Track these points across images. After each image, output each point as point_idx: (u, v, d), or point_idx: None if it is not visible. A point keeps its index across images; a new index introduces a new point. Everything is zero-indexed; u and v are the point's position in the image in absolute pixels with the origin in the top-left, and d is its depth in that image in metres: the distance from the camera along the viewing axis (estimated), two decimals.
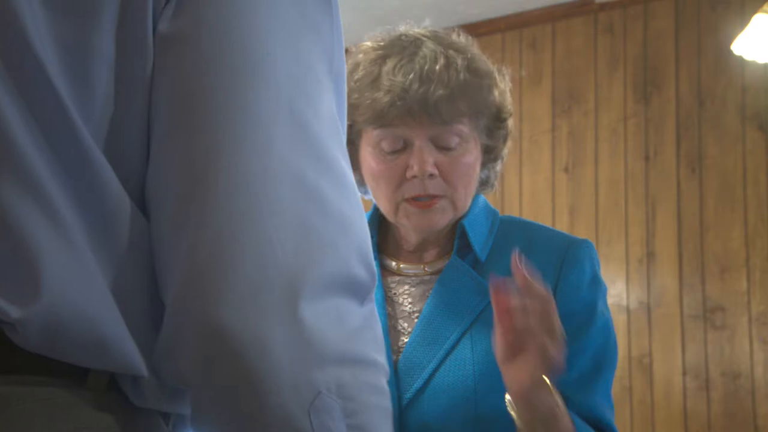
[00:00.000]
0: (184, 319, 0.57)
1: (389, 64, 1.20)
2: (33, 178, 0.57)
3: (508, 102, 1.29)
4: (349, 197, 0.62)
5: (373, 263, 0.63)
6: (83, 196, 0.59)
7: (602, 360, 1.22)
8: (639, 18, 3.66)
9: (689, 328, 3.39)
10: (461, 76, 1.20)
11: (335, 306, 0.59)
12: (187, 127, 0.59)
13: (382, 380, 0.61)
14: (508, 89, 1.29)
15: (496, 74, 1.27)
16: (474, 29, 3.82)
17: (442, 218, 1.22)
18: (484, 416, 1.15)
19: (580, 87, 3.74)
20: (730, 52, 2.88)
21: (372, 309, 0.62)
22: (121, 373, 0.61)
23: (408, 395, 1.18)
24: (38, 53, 0.58)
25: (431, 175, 1.20)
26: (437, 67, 1.19)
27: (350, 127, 1.25)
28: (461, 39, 1.26)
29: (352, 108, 1.22)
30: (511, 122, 1.30)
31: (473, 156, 1.23)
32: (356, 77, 1.22)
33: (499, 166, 1.32)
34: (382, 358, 0.61)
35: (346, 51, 1.29)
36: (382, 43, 1.24)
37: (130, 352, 0.59)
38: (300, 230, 0.58)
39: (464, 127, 1.21)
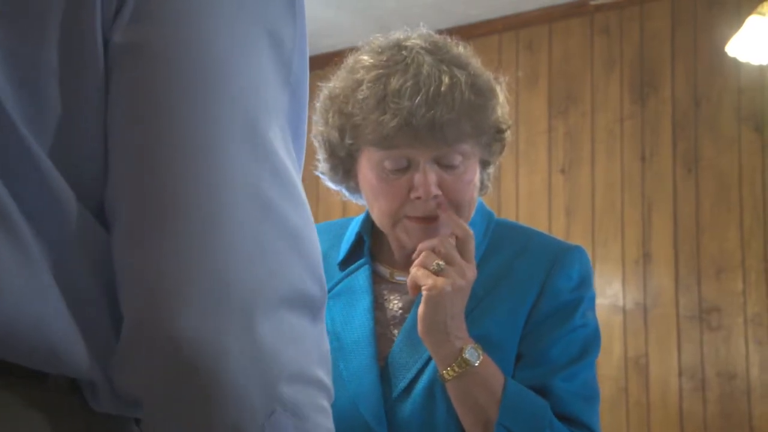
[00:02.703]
0: (141, 332, 0.57)
1: (393, 84, 1.18)
2: None
3: (507, 112, 1.29)
4: (301, 212, 0.62)
5: (324, 279, 0.62)
6: (36, 206, 0.59)
7: (575, 356, 1.22)
8: (635, 19, 3.66)
9: (685, 329, 3.39)
10: (466, 96, 1.18)
11: (290, 323, 0.58)
12: (143, 139, 0.59)
13: (327, 403, 0.61)
14: (504, 95, 1.29)
15: (497, 88, 1.26)
16: (471, 30, 3.83)
17: (446, 232, 1.21)
18: None
19: (576, 88, 3.75)
20: (726, 53, 2.89)
21: (323, 329, 0.62)
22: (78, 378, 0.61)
23: (394, 395, 1.19)
24: None
25: (435, 196, 1.20)
26: (443, 89, 1.17)
27: (351, 144, 1.24)
28: (461, 50, 1.25)
29: (356, 128, 1.21)
30: (508, 132, 1.30)
31: (475, 172, 1.24)
32: (360, 97, 1.20)
33: (491, 169, 1.32)
34: (329, 380, 0.61)
35: (344, 53, 1.30)
36: (383, 59, 1.21)
37: (82, 359, 0.59)
38: (255, 245, 0.58)
39: (467, 146, 1.21)
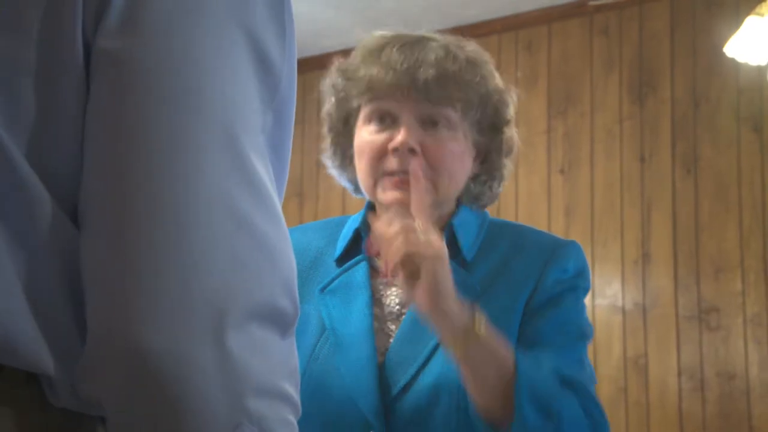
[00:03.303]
0: (106, 341, 0.57)
1: (392, 45, 1.23)
2: None
3: (509, 110, 1.29)
4: (276, 226, 0.61)
5: (297, 295, 0.62)
6: (8, 205, 0.59)
7: (574, 331, 1.23)
8: (634, 19, 3.67)
9: (684, 329, 3.40)
10: (456, 65, 1.22)
11: (259, 337, 0.58)
12: (117, 146, 0.59)
13: (294, 418, 0.61)
14: (511, 102, 1.30)
15: (496, 75, 1.28)
16: (470, 31, 3.83)
17: (417, 198, 1.20)
18: (467, 411, 1.16)
19: (575, 88, 3.75)
20: (725, 53, 2.89)
21: (292, 342, 0.62)
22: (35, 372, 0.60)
23: (394, 392, 1.19)
24: None
25: (412, 151, 1.21)
26: (434, 55, 1.22)
27: (347, 106, 1.28)
28: (475, 47, 1.29)
29: (351, 83, 1.26)
30: (510, 134, 1.31)
31: (460, 146, 1.24)
32: (358, 54, 1.26)
33: (495, 188, 1.32)
34: (296, 395, 0.61)
35: (344, 53, 1.31)
36: (390, 33, 1.26)
37: (40, 354, 0.59)
38: (228, 258, 0.58)
39: (453, 114, 1.23)
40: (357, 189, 1.33)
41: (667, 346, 3.41)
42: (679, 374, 3.37)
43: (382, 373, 1.20)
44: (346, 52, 1.31)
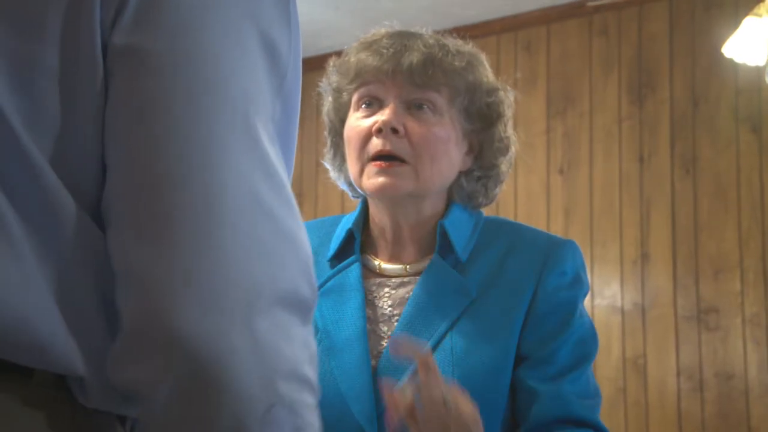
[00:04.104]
0: (144, 330, 0.58)
1: (385, 36, 1.25)
2: None
3: (502, 106, 1.29)
4: (294, 215, 0.63)
5: (315, 281, 0.64)
6: (28, 204, 0.60)
7: (580, 357, 1.23)
8: (633, 20, 3.67)
9: (683, 330, 3.40)
10: (442, 52, 1.23)
11: (284, 322, 0.60)
12: (143, 142, 0.60)
13: (315, 402, 0.63)
14: (506, 100, 1.29)
15: (490, 73, 1.29)
16: (469, 31, 3.81)
17: (402, 184, 1.21)
18: None
19: (574, 89, 3.75)
20: (724, 54, 2.90)
21: (311, 329, 0.64)
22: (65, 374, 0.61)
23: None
24: None
25: (395, 132, 1.20)
26: (423, 42, 1.23)
27: (341, 101, 1.28)
28: (470, 47, 1.29)
29: (342, 73, 1.27)
30: (504, 132, 1.30)
31: (446, 131, 1.23)
32: (353, 47, 1.27)
33: (491, 188, 1.30)
34: (316, 380, 0.63)
35: (341, 53, 1.32)
36: (388, 30, 1.28)
37: (70, 355, 0.60)
38: (254, 246, 0.60)
39: (439, 99, 1.23)
40: (354, 189, 1.33)
41: (666, 347, 3.42)
42: (678, 374, 3.37)
43: (376, 378, 1.18)
44: (341, 54, 1.31)
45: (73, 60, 0.61)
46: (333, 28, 3.89)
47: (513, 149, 1.32)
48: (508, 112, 1.31)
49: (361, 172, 1.23)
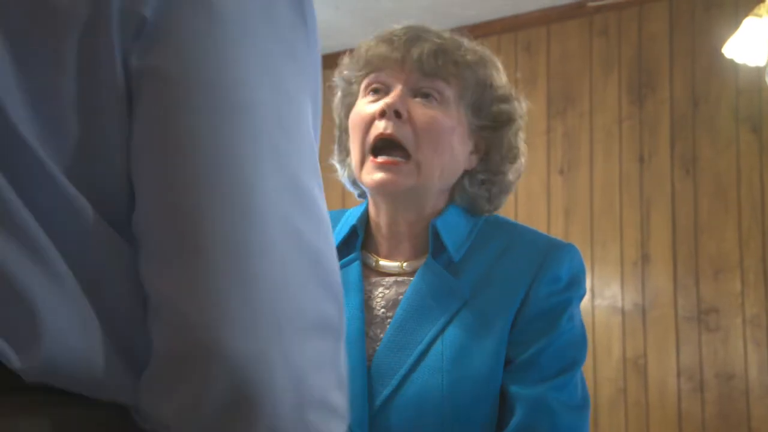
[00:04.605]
0: (180, 355, 0.58)
1: (400, 28, 1.25)
2: (22, 228, 0.58)
3: (514, 112, 1.27)
4: (323, 232, 0.63)
5: (343, 303, 0.64)
6: (69, 240, 0.60)
7: (566, 362, 1.18)
8: (633, 20, 3.67)
9: (684, 330, 3.40)
10: (454, 45, 1.23)
11: (314, 348, 0.60)
12: (173, 167, 0.59)
13: (343, 429, 0.63)
14: (518, 106, 1.29)
15: (505, 77, 1.28)
16: (469, 31, 3.81)
17: (403, 180, 1.19)
18: (452, 424, 1.13)
19: (575, 89, 3.75)
20: (724, 54, 2.90)
21: (342, 349, 0.64)
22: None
23: (378, 402, 1.15)
24: (2, 102, 0.58)
25: (399, 116, 1.19)
26: (436, 35, 1.23)
27: (350, 90, 1.28)
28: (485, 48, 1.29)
29: (353, 62, 1.26)
30: (514, 138, 1.28)
31: (451, 122, 1.21)
32: (370, 39, 1.26)
33: (496, 194, 1.27)
34: (345, 405, 0.63)
35: (343, 54, 1.31)
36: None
37: (125, 387, 0.60)
38: (285, 272, 0.60)
39: (447, 90, 1.21)
40: (358, 187, 1.31)
41: (666, 347, 3.42)
42: (679, 375, 3.37)
43: (369, 382, 1.17)
44: (345, 53, 1.31)
45: (92, 85, 0.60)
46: (333, 28, 3.89)
47: (522, 161, 1.30)
48: (520, 121, 1.29)
49: (362, 164, 1.21)
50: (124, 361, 0.61)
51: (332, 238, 0.65)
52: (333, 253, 0.64)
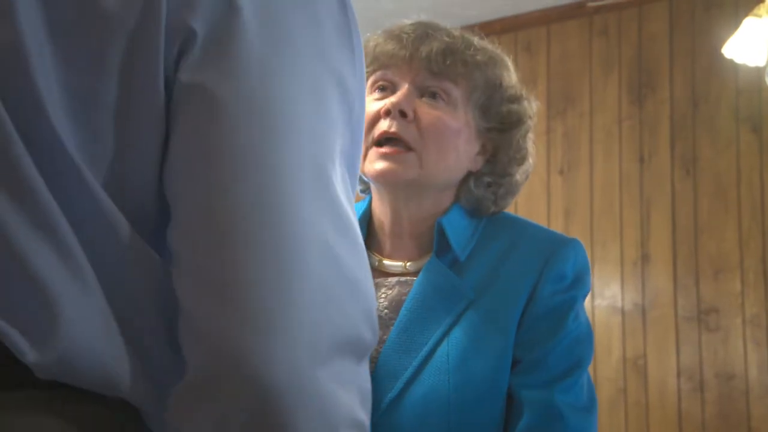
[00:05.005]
0: (213, 372, 0.58)
1: (411, 25, 1.23)
2: (49, 225, 0.58)
3: (524, 113, 1.26)
4: (359, 257, 0.64)
5: (377, 325, 0.65)
6: (94, 240, 0.60)
7: (573, 362, 1.17)
8: (633, 20, 3.67)
9: (683, 330, 3.40)
10: (464, 44, 1.21)
11: (343, 368, 0.61)
12: (210, 182, 0.59)
13: None
14: (529, 109, 1.27)
15: (515, 77, 1.27)
16: (469, 32, 3.82)
17: (405, 171, 1.17)
18: (458, 426, 1.12)
19: (574, 89, 3.75)
20: (724, 54, 2.90)
21: (367, 368, 0.65)
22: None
23: (383, 405, 1.14)
24: (43, 101, 0.58)
25: (404, 116, 1.17)
26: (446, 33, 1.21)
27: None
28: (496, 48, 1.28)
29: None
30: (523, 141, 1.26)
31: (457, 123, 1.20)
32: (378, 34, 1.25)
33: (502, 196, 1.26)
34: (368, 422, 0.63)
35: None
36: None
37: (138, 388, 0.61)
38: (321, 295, 0.60)
39: (455, 90, 1.20)
40: (361, 182, 1.30)
41: (666, 347, 3.42)
42: (679, 375, 3.37)
43: (372, 385, 1.15)
44: None
45: (132, 96, 0.60)
46: None
47: (531, 162, 1.28)
48: (529, 122, 1.27)
49: (365, 156, 1.20)
50: (140, 366, 0.61)
51: (366, 261, 0.65)
52: (369, 279, 0.64)
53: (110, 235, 0.60)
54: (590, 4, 3.71)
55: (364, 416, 0.62)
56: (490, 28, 3.89)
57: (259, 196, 0.59)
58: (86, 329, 0.58)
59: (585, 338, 1.19)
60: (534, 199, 3.73)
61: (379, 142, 1.19)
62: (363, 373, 0.63)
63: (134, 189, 0.62)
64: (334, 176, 0.63)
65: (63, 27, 0.59)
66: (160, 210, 0.62)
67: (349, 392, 0.61)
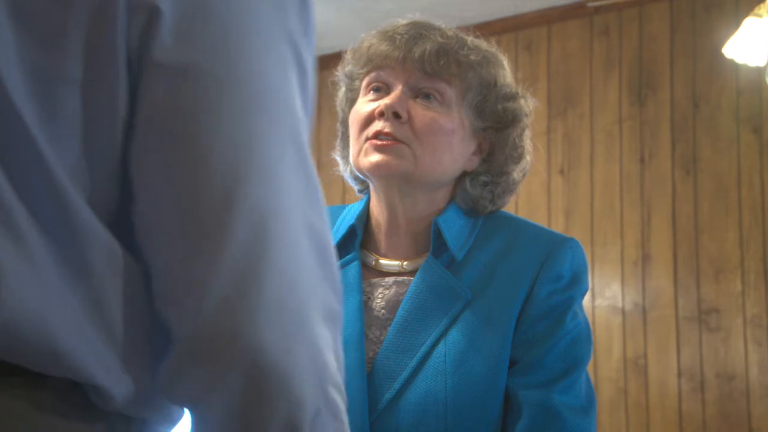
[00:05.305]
0: (208, 337, 0.60)
1: (404, 24, 1.23)
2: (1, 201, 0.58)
3: (520, 111, 1.25)
4: (327, 224, 0.67)
5: (341, 290, 0.68)
6: (46, 216, 0.59)
7: (571, 362, 1.16)
8: (634, 21, 3.67)
9: (684, 330, 3.40)
10: (458, 44, 1.20)
11: (326, 333, 0.64)
12: (192, 159, 0.60)
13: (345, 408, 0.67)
14: (525, 106, 1.27)
15: (510, 75, 1.26)
16: (469, 32, 3.82)
17: (399, 163, 1.17)
18: (456, 427, 1.11)
19: (575, 89, 3.75)
20: (724, 55, 2.90)
21: (341, 339, 0.68)
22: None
23: (380, 406, 1.14)
24: (3, 77, 0.58)
25: (398, 117, 1.17)
26: (440, 33, 1.21)
27: (353, 86, 1.27)
28: (491, 46, 1.27)
29: (356, 58, 1.25)
30: (519, 139, 1.26)
31: (452, 124, 1.19)
32: (372, 33, 1.25)
33: (499, 195, 1.25)
34: (343, 386, 0.67)
35: (341, 54, 1.31)
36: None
37: (89, 364, 0.60)
38: (304, 264, 0.63)
39: (449, 90, 1.20)
40: (358, 182, 1.30)
41: (666, 347, 3.42)
42: (679, 375, 3.37)
43: (370, 385, 1.15)
44: (345, 53, 1.31)
45: (95, 70, 0.60)
46: (333, 29, 3.89)
47: (528, 159, 1.28)
48: (526, 120, 1.27)
49: (359, 151, 1.20)
50: (94, 341, 0.60)
51: (331, 234, 0.68)
52: (332, 243, 0.67)
53: (64, 216, 0.60)
54: (591, 4, 3.71)
55: (341, 380, 0.66)
56: (490, 28, 3.89)
57: (243, 166, 0.60)
58: (31, 301, 0.58)
59: (583, 338, 1.19)
60: (534, 199, 3.74)
61: (373, 137, 1.19)
62: (339, 343, 0.66)
63: (95, 167, 0.61)
64: (308, 152, 0.66)
65: (23, 3, 0.59)
66: (122, 187, 0.62)
67: (331, 355, 0.64)
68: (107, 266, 0.61)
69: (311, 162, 0.66)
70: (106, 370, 0.61)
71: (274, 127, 0.62)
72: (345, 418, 0.65)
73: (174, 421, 0.69)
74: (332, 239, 0.67)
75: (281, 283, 0.61)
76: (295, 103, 0.65)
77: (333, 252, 0.67)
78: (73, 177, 0.60)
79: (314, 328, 0.62)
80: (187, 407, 0.64)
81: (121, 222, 0.63)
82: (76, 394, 0.61)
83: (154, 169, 0.61)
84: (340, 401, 0.65)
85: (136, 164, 0.61)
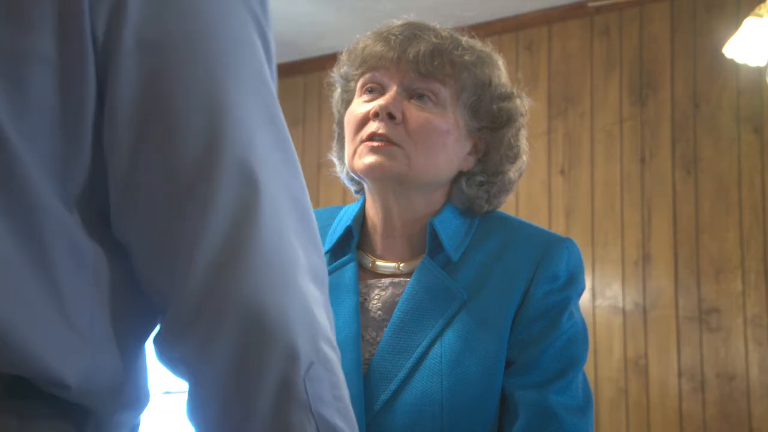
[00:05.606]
0: (202, 294, 0.62)
1: (399, 25, 1.23)
2: None
3: (515, 111, 1.25)
4: (304, 189, 0.70)
5: (323, 249, 0.71)
6: (6, 199, 0.59)
7: (567, 362, 1.16)
8: (634, 21, 3.67)
9: (684, 330, 3.40)
10: (453, 44, 1.21)
11: (316, 292, 0.67)
12: (171, 125, 0.62)
13: (339, 361, 0.70)
14: (521, 106, 1.27)
15: (505, 76, 1.26)
16: (469, 32, 3.82)
17: (393, 165, 1.17)
18: (452, 428, 1.11)
19: (576, 89, 3.75)
20: (725, 54, 2.90)
21: (328, 298, 0.71)
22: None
23: (376, 407, 1.14)
24: None
25: (393, 118, 1.17)
26: (434, 34, 1.21)
27: (348, 87, 1.27)
28: (487, 47, 1.27)
29: (351, 59, 1.25)
30: (515, 139, 1.26)
31: (446, 124, 1.19)
32: (367, 34, 1.25)
33: (495, 195, 1.25)
34: (337, 347, 0.69)
35: (341, 54, 1.31)
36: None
37: (39, 358, 0.59)
38: (288, 226, 0.66)
39: (443, 91, 1.20)
40: (355, 183, 1.30)
41: (667, 347, 3.42)
42: (680, 375, 3.37)
43: (366, 386, 1.15)
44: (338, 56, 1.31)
45: (64, 49, 0.61)
46: (334, 29, 3.89)
47: (524, 158, 1.28)
48: (521, 120, 1.27)
49: (354, 153, 1.20)
50: (56, 337, 0.60)
51: (306, 191, 0.71)
52: (311, 208, 0.70)
53: (23, 203, 0.60)
54: (591, 4, 3.71)
55: (334, 338, 0.68)
56: (490, 28, 3.89)
57: (220, 126, 0.62)
58: None
59: (579, 338, 1.19)
60: (535, 199, 3.74)
61: (367, 138, 1.19)
62: (328, 303, 0.69)
63: (66, 147, 0.62)
64: (282, 120, 0.68)
65: None
66: (94, 168, 0.63)
67: (323, 313, 0.67)
68: (69, 252, 0.61)
69: (281, 117, 0.68)
70: (62, 359, 0.60)
71: (244, 85, 0.64)
72: (339, 371, 0.67)
73: (139, 408, 0.69)
74: (309, 199, 0.71)
75: (269, 239, 0.63)
76: (261, 58, 0.67)
77: (312, 215, 0.69)
78: (41, 157, 0.60)
79: (302, 284, 0.65)
80: (184, 373, 0.65)
81: (92, 205, 0.63)
82: (30, 386, 0.61)
83: (134, 142, 0.62)
84: (334, 355, 0.67)
85: (111, 142, 0.62)
